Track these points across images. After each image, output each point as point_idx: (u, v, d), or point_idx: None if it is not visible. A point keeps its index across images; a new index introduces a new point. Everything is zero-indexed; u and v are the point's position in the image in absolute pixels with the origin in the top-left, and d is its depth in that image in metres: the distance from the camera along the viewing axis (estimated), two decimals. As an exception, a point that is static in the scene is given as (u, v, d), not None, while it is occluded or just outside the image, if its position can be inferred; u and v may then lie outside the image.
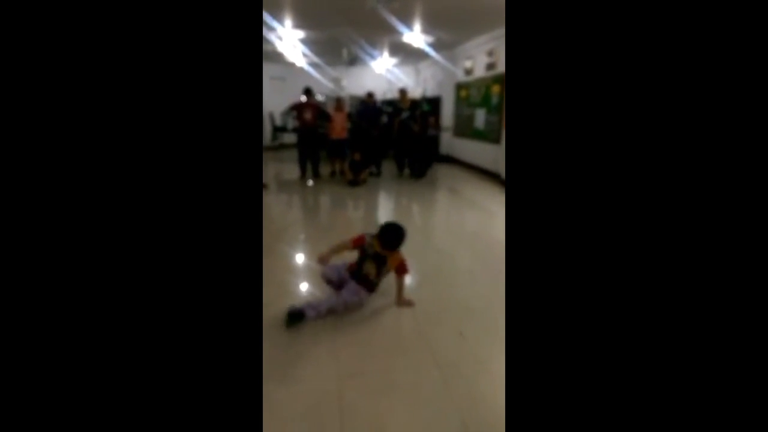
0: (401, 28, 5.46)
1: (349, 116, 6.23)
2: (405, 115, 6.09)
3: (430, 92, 8.56)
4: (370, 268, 2.05)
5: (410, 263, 2.15)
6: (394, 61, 8.62)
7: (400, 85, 8.08)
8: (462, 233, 3.78)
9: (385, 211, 4.54)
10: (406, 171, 6.32)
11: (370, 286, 2.07)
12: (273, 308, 2.02)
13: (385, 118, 6.50)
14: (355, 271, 2.08)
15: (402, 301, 2.10)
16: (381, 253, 2.04)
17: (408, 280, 2.26)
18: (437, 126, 7.33)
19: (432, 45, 6.64)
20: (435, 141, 7.37)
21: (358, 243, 2.11)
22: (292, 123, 6.96)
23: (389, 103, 7.29)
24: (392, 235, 2.05)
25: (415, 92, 8.86)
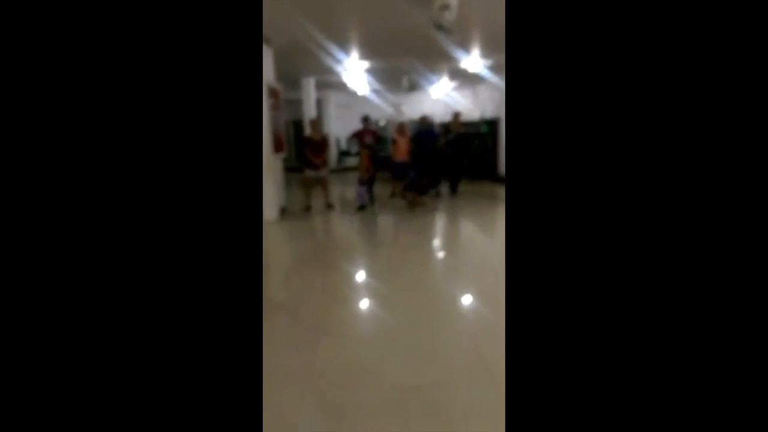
0: (459, 54, 5.64)
1: (412, 140, 6.50)
2: (451, 137, 6.66)
3: (489, 114, 8.58)
4: None
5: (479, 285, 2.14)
6: (452, 85, 8.81)
7: (458, 108, 8.26)
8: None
9: (440, 228, 4.61)
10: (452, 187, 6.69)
11: None
12: (335, 321, 2.18)
13: (442, 140, 6.77)
14: None
15: None
16: None
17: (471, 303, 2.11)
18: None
19: (490, 68, 6.74)
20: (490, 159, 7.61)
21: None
22: (355, 148, 7.44)
23: (445, 125, 7.51)
24: None
25: (474, 114, 8.94)
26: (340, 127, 10.06)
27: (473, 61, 6.02)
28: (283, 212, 5.19)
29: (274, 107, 4.94)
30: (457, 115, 6.89)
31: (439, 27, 4.25)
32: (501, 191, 6.82)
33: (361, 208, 5.58)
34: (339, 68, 6.54)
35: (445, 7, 3.90)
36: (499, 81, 7.64)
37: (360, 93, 8.99)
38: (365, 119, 6.19)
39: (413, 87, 8.75)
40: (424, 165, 5.98)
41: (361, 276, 3.06)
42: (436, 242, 4.20)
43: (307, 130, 6.31)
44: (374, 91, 9.12)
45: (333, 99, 10.23)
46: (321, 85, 8.43)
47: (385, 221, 5.05)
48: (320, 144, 5.43)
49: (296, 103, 8.16)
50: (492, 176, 8.14)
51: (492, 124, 8.34)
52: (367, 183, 5.68)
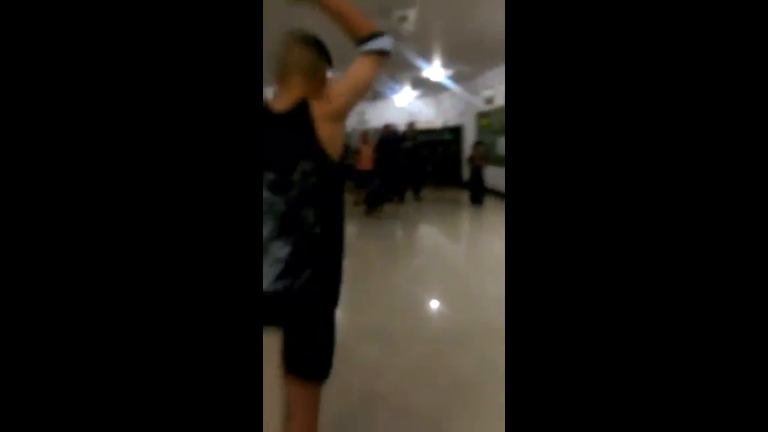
0: (421, 63, 5.74)
1: (375, 148, 6.51)
2: (407, 145, 6.98)
3: (452, 122, 8.78)
4: None
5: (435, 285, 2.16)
6: (415, 94, 8.95)
7: (422, 116, 8.41)
8: (483, 256, 3.82)
9: (405, 231, 4.63)
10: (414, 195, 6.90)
11: None
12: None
13: (406, 146, 6.91)
14: None
15: None
16: None
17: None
18: (484, 158, 6.48)
19: (452, 77, 6.91)
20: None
21: None
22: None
23: (402, 134, 7.65)
24: None
25: (437, 122, 9.12)
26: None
27: (435, 70, 6.14)
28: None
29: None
30: (411, 124, 7.28)
31: (397, 36, 4.31)
32: (464, 196, 6.96)
33: None
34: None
35: (403, 18, 3.97)
36: (461, 90, 7.83)
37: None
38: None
39: (375, 96, 8.82)
40: (388, 173, 6.00)
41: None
42: (400, 248, 4.20)
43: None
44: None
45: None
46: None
47: (348, 229, 5.01)
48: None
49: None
50: (455, 182, 8.31)
51: (455, 131, 8.54)
52: None
